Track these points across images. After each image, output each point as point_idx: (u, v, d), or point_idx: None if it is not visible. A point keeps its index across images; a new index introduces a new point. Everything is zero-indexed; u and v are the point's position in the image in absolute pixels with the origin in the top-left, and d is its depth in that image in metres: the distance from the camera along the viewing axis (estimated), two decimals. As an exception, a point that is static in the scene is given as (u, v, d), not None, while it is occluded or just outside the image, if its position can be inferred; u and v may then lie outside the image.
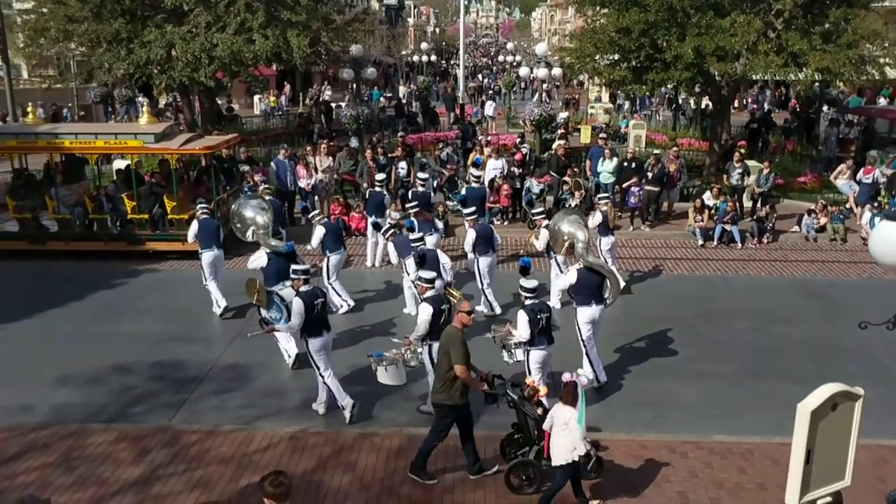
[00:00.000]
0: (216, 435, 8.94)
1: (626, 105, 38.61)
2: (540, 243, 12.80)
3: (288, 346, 10.83)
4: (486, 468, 8.16)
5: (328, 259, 12.86)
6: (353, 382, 10.30)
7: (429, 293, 9.11)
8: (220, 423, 9.32)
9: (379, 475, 8.17)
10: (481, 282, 12.82)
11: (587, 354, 10.15)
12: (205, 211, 12.99)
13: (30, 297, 13.73)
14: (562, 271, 12.21)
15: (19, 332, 12.23)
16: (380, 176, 15.90)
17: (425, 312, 9.00)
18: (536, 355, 9.10)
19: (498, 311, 12.68)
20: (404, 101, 39.80)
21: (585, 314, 10.06)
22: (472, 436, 8.12)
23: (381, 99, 41.39)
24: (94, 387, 10.33)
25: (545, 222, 12.65)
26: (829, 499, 6.28)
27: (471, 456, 8.15)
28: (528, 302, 9.02)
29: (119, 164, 19.37)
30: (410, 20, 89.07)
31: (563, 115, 29.48)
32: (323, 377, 9.33)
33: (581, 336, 10.10)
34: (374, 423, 9.39)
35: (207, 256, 12.75)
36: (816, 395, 5.97)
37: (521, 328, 8.95)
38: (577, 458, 7.26)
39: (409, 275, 11.80)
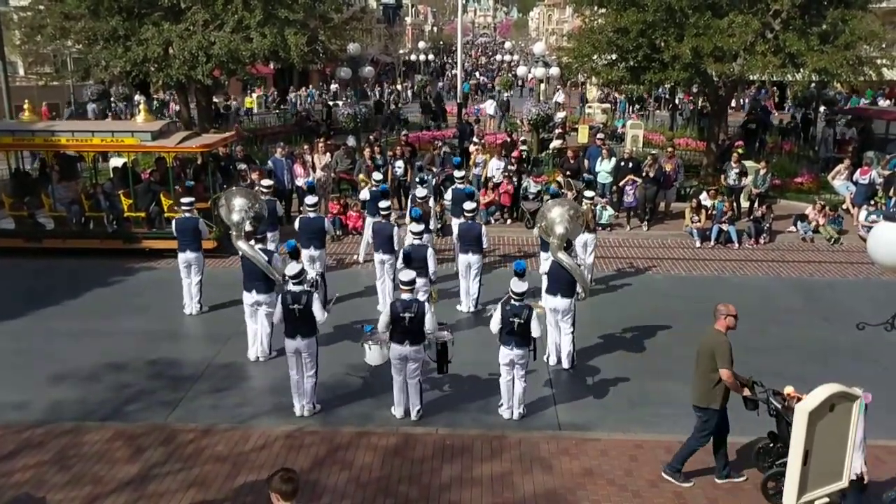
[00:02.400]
0: (212, 433, 8.92)
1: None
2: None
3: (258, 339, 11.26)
4: (734, 475, 8.11)
5: None
6: (349, 378, 10.33)
7: (404, 295, 9.15)
8: (216, 421, 9.29)
9: (375, 474, 8.15)
10: (460, 280, 13.01)
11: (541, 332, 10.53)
12: (186, 210, 12.83)
13: (26, 294, 13.68)
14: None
15: (15, 329, 12.19)
16: (377, 175, 15.82)
17: (384, 314, 9.21)
18: (502, 352, 9.28)
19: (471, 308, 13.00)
20: (383, 100, 40.38)
21: (549, 303, 10.75)
22: (726, 440, 8.08)
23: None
24: (89, 385, 10.30)
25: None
26: (826, 499, 6.28)
27: (722, 460, 8.11)
28: (511, 302, 9.13)
29: (116, 161, 19.31)
30: (408, 19, 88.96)
31: (560, 114, 29.50)
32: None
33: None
34: (370, 422, 9.37)
35: (179, 257, 12.79)
36: (814, 395, 5.98)
37: (493, 322, 9.24)
38: (857, 476, 7.05)
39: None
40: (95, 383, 10.35)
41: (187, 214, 12.78)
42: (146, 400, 9.93)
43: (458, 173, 15.66)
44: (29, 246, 15.98)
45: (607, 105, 37.89)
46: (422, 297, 11.08)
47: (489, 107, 35.19)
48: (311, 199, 13.14)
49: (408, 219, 12.59)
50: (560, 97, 36.84)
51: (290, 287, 9.25)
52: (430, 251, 11.77)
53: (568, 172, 19.08)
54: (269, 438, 8.82)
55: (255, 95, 41.63)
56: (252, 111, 38.80)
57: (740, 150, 20.05)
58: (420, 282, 11.04)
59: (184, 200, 12.97)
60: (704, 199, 18.02)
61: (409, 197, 14.53)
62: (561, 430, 9.23)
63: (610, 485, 8.01)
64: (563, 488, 7.95)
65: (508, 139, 22.95)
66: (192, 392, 10.17)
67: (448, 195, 15.50)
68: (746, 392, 7.93)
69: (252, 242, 10.97)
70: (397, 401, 9.49)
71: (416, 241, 11.64)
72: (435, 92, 42.62)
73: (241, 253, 11.01)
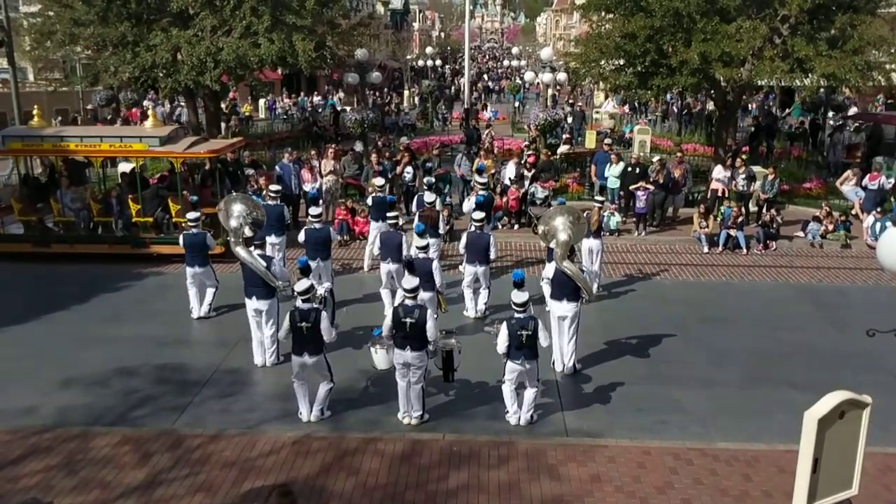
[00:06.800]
0: (219, 439, 8.93)
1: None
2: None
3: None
4: None
5: None
6: (356, 384, 10.32)
7: (407, 301, 9.11)
8: (224, 427, 9.30)
9: (382, 481, 8.14)
10: (464, 290, 13.01)
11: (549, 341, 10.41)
12: (192, 224, 12.71)
13: (34, 299, 13.73)
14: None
15: (23, 334, 12.23)
16: (379, 181, 15.74)
17: (388, 319, 9.28)
18: (510, 367, 9.22)
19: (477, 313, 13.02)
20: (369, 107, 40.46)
21: (554, 308, 10.73)
22: None
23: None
24: (97, 390, 10.32)
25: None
26: (836, 507, 6.23)
27: None
28: (515, 316, 9.06)
29: (124, 167, 19.38)
30: (415, 25, 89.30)
31: (568, 119, 29.49)
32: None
33: (549, 324, 10.60)
34: (378, 427, 9.36)
35: (187, 271, 12.77)
36: (824, 403, 5.94)
37: (500, 341, 9.14)
38: None
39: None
40: (103, 388, 10.37)
41: (195, 230, 12.72)
42: (154, 405, 9.94)
43: (480, 179, 15.44)
44: (37, 251, 16.05)
45: (615, 110, 37.76)
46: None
47: (488, 113, 35.30)
48: (315, 210, 13.07)
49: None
50: (609, 106, 36.25)
51: (299, 304, 9.23)
52: (434, 264, 11.47)
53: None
54: (276, 444, 8.82)
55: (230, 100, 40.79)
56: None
57: (744, 156, 20.01)
58: (426, 296, 10.80)
59: (190, 216, 12.82)
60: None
61: (416, 200, 14.36)
62: (568, 437, 9.21)
63: (618, 491, 7.98)
64: (571, 495, 7.92)
65: (526, 146, 22.98)
66: (200, 397, 10.18)
67: (471, 202, 14.68)
68: None
69: (251, 248, 10.96)
70: (402, 407, 9.47)
71: (421, 255, 11.38)
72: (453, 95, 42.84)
73: (239, 259, 11.02)
